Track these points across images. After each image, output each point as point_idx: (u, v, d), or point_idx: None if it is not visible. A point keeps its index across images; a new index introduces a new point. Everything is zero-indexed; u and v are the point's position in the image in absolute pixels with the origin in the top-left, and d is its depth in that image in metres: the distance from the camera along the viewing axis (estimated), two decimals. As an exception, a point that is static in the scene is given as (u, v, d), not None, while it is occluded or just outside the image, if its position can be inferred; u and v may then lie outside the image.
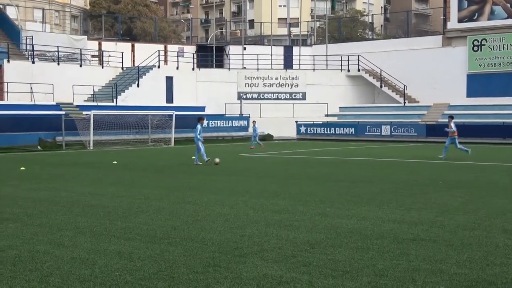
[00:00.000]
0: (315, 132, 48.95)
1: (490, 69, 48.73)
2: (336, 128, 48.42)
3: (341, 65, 53.44)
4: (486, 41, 48.89)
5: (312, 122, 49.60)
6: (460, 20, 50.54)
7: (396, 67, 51.94)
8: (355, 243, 8.56)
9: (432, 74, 50.53)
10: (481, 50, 49.15)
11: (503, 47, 48.21)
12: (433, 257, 7.69)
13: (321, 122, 49.95)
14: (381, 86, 52.32)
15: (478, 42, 49.24)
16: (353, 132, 47.44)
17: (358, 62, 53.16)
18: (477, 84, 49.06)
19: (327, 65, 54.11)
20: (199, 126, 23.29)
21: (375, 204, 12.39)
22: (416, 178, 17.82)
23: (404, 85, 51.06)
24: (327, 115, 51.67)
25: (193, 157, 23.77)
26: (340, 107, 52.67)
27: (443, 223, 10.07)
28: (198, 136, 23.16)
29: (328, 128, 48.75)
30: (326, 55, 54.77)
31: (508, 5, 48.44)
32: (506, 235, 9.09)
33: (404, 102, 50.83)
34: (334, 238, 8.91)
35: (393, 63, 52.18)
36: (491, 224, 9.97)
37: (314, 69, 53.55)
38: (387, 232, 9.30)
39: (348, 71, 53.65)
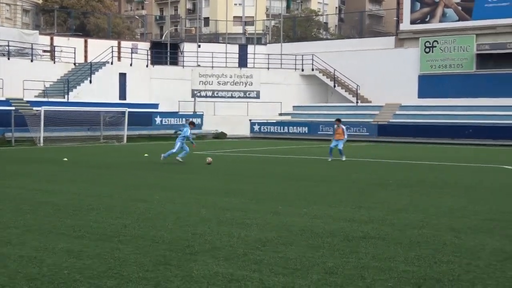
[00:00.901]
0: (268, 130, 49.08)
1: (441, 71, 49.62)
2: (290, 127, 48.67)
3: (295, 64, 53.73)
4: (438, 43, 49.77)
5: (266, 121, 49.74)
6: (412, 22, 51.32)
7: (349, 67, 52.45)
8: (306, 241, 8.62)
9: (385, 75, 51.18)
10: (432, 52, 50.01)
11: (454, 49, 49.14)
12: (382, 255, 7.80)
13: (274, 121, 50.12)
14: (334, 86, 52.77)
15: (430, 43, 50.10)
16: (306, 131, 47.73)
17: (312, 62, 53.51)
18: (428, 85, 49.89)
19: (281, 64, 54.31)
20: (187, 129, 22.95)
21: (326, 202, 12.50)
22: (367, 177, 18.03)
23: (357, 85, 51.62)
24: (280, 114, 51.87)
25: (177, 158, 22.80)
26: (293, 106, 52.94)
27: (392, 222, 10.22)
28: (188, 136, 22.80)
29: (282, 127, 48.95)
30: (281, 54, 54.98)
31: (460, 8, 49.39)
32: (454, 233, 9.27)
33: (357, 102, 51.38)
34: (285, 236, 8.96)
35: (347, 63, 52.67)
36: (439, 223, 10.15)
37: (268, 68, 53.70)
38: (338, 230, 9.39)
39: (302, 70, 53.96)
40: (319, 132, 47.06)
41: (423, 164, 23.86)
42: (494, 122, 42.36)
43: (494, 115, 44.06)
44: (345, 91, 52.48)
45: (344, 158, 24.40)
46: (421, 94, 50.06)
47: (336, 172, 19.77)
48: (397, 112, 48.30)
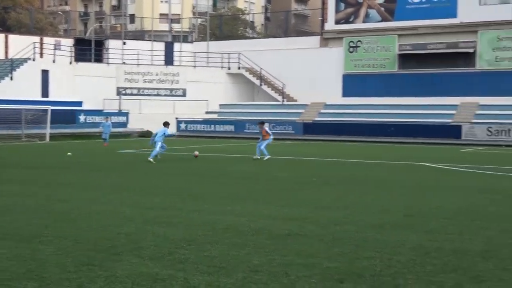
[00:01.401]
0: (195, 129, 48.90)
1: (364, 70, 50.60)
2: (216, 125, 48.65)
3: (222, 62, 53.73)
4: (361, 43, 50.73)
5: (192, 119, 49.55)
6: (337, 22, 52.11)
7: (275, 66, 52.82)
8: (231, 239, 8.64)
9: (310, 74, 51.77)
10: (356, 52, 50.95)
11: (377, 49, 50.20)
12: (306, 251, 7.89)
13: (201, 119, 49.99)
14: (260, 85, 53.06)
15: (354, 43, 51.01)
16: (233, 130, 47.82)
17: (239, 60, 53.64)
18: (352, 84, 50.79)
19: (208, 62, 54.20)
20: (165, 129, 23.87)
21: (251, 200, 12.56)
22: (292, 175, 18.21)
23: (283, 84, 52.06)
24: (207, 112, 51.76)
25: (149, 159, 22.73)
26: (220, 105, 52.91)
27: (316, 219, 10.36)
28: (160, 138, 23.42)
29: (208, 125, 48.87)
30: (207, 53, 54.87)
31: (382, 9, 50.47)
32: (375, 229, 9.48)
33: (283, 101, 51.83)
34: (210, 234, 8.95)
35: (273, 62, 53.03)
36: (361, 219, 10.36)
37: (195, 66, 53.51)
38: (263, 228, 9.44)
39: (229, 68, 54.01)
40: (245, 131, 47.20)
41: (347, 162, 24.29)
42: (415, 121, 43.52)
43: (415, 113, 45.26)
44: (271, 90, 52.86)
45: (266, 158, 24.19)
46: (345, 93, 50.92)
47: (261, 170, 19.88)
48: (322, 111, 48.98)
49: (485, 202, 12.65)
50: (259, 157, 24.30)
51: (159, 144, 23.41)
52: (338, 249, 8.08)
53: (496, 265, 7.31)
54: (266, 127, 25.32)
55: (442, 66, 48.03)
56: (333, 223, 9.94)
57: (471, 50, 46.83)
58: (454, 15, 47.25)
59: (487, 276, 6.82)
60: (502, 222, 10.27)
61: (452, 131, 41.68)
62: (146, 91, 51.67)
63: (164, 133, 23.79)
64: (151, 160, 22.55)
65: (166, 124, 24.61)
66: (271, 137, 25.41)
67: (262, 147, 24.60)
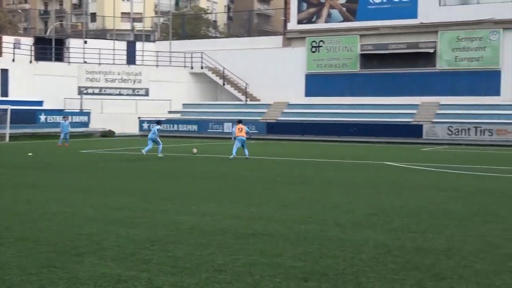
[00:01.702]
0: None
1: (327, 70, 50.89)
2: (179, 125, 48.45)
3: (185, 62, 53.53)
4: (324, 43, 51.01)
5: (155, 119, 49.19)
6: (299, 22, 52.32)
7: (238, 65, 52.82)
8: (195, 239, 8.60)
9: (273, 73, 51.89)
10: (318, 51, 51.22)
11: (339, 48, 50.53)
12: (270, 251, 7.90)
13: (164, 119, 49.68)
14: (223, 84, 53.01)
15: (316, 43, 51.27)
16: (196, 129, 47.70)
17: (202, 60, 53.50)
18: (315, 84, 51.06)
19: (170, 61, 53.94)
20: (158, 127, 26.69)
21: (216, 200, 12.53)
22: (256, 174, 18.23)
23: (246, 84, 52.08)
24: (170, 112, 51.52)
25: (159, 155, 25.23)
26: (183, 104, 52.71)
27: (281, 218, 10.39)
28: (154, 135, 25.89)
29: (171, 125, 48.63)
30: (170, 52, 54.60)
31: (344, 9, 50.83)
32: (339, 228, 9.53)
33: (246, 100, 51.86)
34: (174, 234, 8.91)
35: (236, 61, 53.01)
36: (325, 218, 10.41)
37: (157, 66, 53.20)
38: (227, 228, 9.43)
39: (192, 68, 53.84)
40: (208, 130, 47.14)
41: (311, 161, 24.41)
42: (377, 120, 43.97)
43: (377, 113, 45.73)
44: (235, 90, 52.86)
45: (231, 157, 24.25)
46: (308, 93, 51.16)
47: (226, 170, 19.86)
48: (285, 110, 49.15)
49: (446, 200, 12.82)
50: (248, 156, 24.49)
51: (159, 140, 25.91)
52: (303, 248, 8.11)
53: (457, 263, 7.42)
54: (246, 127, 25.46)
55: (403, 66, 48.60)
56: (298, 222, 9.97)
57: (431, 50, 47.47)
58: (414, 16, 47.84)
59: (448, 274, 6.92)
60: (463, 219, 10.43)
61: (414, 131, 42.20)
62: (108, 91, 51.19)
63: (155, 132, 26.08)
64: (161, 155, 25.09)
65: (159, 122, 27.89)
66: (241, 138, 24.90)
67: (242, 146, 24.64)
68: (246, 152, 24.65)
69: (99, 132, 46.38)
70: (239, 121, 26.03)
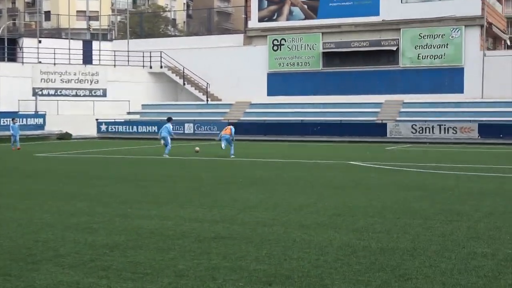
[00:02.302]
0: (116, 130, 48.24)
1: (289, 69, 51.07)
2: (139, 126, 48.13)
3: (143, 61, 53.20)
4: (285, 41, 51.18)
5: (113, 120, 48.86)
6: (260, 20, 52.40)
7: (199, 64, 52.66)
8: (156, 244, 8.55)
9: (234, 72, 51.88)
10: (280, 50, 51.37)
11: (301, 47, 50.75)
12: (233, 254, 7.90)
13: (123, 120, 49.35)
14: (184, 84, 52.82)
15: (278, 41, 51.41)
16: (156, 130, 47.29)
17: (161, 59, 53.21)
18: (277, 83, 51.20)
19: (128, 61, 53.54)
20: (169, 125, 27.51)
21: (177, 203, 12.48)
22: (218, 176, 18.20)
23: (207, 83, 51.97)
24: (129, 113, 51.15)
25: (165, 155, 26.49)
26: (142, 105, 52.39)
27: (244, 220, 10.39)
28: (171, 132, 27.67)
29: (130, 127, 48.30)
30: (128, 51, 54.18)
31: (306, 6, 51.07)
32: (303, 230, 9.57)
33: (207, 100, 51.75)
34: (134, 239, 8.84)
35: (196, 60, 52.85)
36: (289, 220, 10.44)
37: (115, 65, 52.75)
38: (189, 232, 9.40)
39: (151, 67, 53.52)
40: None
41: (274, 162, 24.47)
42: (341, 119, 44.25)
43: (340, 112, 46.05)
44: (195, 89, 52.70)
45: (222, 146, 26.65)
46: (270, 92, 51.27)
47: (187, 172, 19.80)
48: (247, 110, 49.20)
49: (411, 199, 12.97)
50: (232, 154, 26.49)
51: (168, 139, 27.01)
52: (266, 250, 8.12)
53: (422, 263, 7.51)
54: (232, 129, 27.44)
55: (366, 64, 49.05)
56: (261, 225, 9.98)
57: (394, 48, 47.99)
58: (376, 13, 48.31)
59: (414, 274, 7.00)
60: (428, 218, 10.56)
61: (377, 129, 42.61)
62: (64, 92, 50.57)
63: (169, 130, 27.38)
64: (167, 156, 26.15)
65: (169, 119, 28.55)
66: (224, 136, 26.92)
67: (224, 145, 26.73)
68: (232, 151, 26.68)
69: (55, 135, 45.78)
70: (229, 124, 28.75)
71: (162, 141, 27.46)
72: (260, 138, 43.07)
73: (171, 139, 27.59)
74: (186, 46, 54.66)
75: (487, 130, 40.24)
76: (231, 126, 27.89)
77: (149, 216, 10.90)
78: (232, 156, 26.21)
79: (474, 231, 9.46)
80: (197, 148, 27.89)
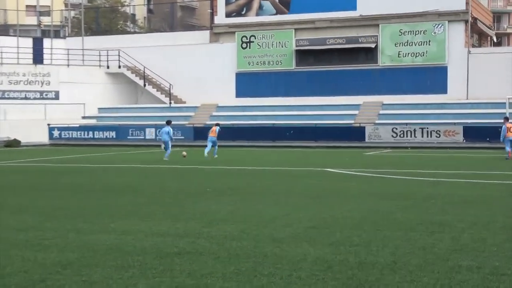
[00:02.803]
0: (70, 136, 47.91)
1: (259, 68, 51.18)
2: (95, 132, 47.86)
3: (100, 60, 52.91)
4: (255, 38, 51.30)
5: (67, 126, 48.48)
6: (228, 15, 52.46)
7: (161, 64, 52.54)
8: (114, 261, 8.49)
9: (200, 72, 51.83)
10: (250, 48, 51.48)
11: (272, 44, 50.90)
12: (199, 271, 7.87)
13: (77, 125, 49.00)
14: (144, 85, 52.64)
15: (247, 38, 51.52)
16: (114, 136, 47.18)
17: (119, 58, 52.98)
18: (247, 83, 51.28)
19: (83, 60, 53.22)
20: (168, 129, 30.00)
21: (138, 216, 12.41)
22: (184, 186, 18.15)
23: (170, 84, 51.85)
24: (84, 117, 50.80)
25: (165, 158, 28.98)
26: (99, 108, 52.09)
27: (211, 234, 10.36)
28: (172, 137, 30.28)
29: (86, 132, 48.01)
30: (83, 49, 53.87)
31: (277, 0, 51.24)
32: (275, 243, 9.58)
33: (170, 103, 51.62)
34: (90, 256, 8.76)
35: (158, 59, 52.72)
36: (260, 233, 10.44)
37: (68, 65, 52.39)
38: (150, 247, 9.35)
39: (108, 67, 53.27)
40: (128, 137, 46.71)
41: (244, 169, 24.47)
42: (315, 123, 44.44)
43: (315, 115, 46.28)
44: (157, 91, 52.55)
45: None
46: (239, 94, 51.36)
47: (148, 181, 19.70)
48: (214, 113, 49.18)
49: (392, 209, 13.06)
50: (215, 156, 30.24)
51: (169, 143, 29.60)
52: (235, 266, 8.11)
53: (403, 277, 7.55)
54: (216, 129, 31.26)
55: (342, 62, 49.36)
56: (229, 238, 9.97)
57: (372, 45, 48.38)
58: (353, 8, 48.68)
59: (395, 290, 7.03)
60: (409, 230, 10.63)
61: (355, 133, 42.90)
62: (11, 94, 50.06)
63: (169, 132, 29.94)
64: (167, 159, 28.50)
65: (169, 122, 30.88)
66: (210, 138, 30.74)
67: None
68: (215, 151, 30.41)
69: (2, 142, 45.27)
70: (216, 124, 32.10)
71: (162, 146, 30.49)
72: (229, 144, 43.02)
73: (165, 142, 29.90)
74: (147, 44, 54.51)
75: (473, 133, 40.71)
76: (218, 127, 31.31)
77: (106, 230, 10.82)
78: (215, 156, 29.98)
79: (458, 243, 9.55)
80: (184, 153, 29.84)
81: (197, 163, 27.34)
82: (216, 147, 30.84)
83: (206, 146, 30.91)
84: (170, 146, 29.78)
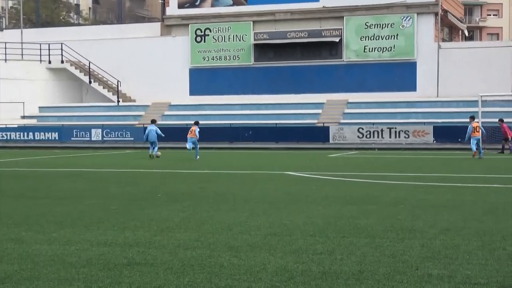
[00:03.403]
0: (8, 138, 47.36)
1: (215, 63, 51.18)
2: (36, 133, 47.35)
3: (41, 55, 52.38)
4: (210, 31, 51.27)
5: (4, 126, 47.90)
6: (180, 6, 52.33)
7: (108, 59, 52.23)
8: (56, 273, 8.41)
9: (151, 68, 51.67)
10: (204, 41, 51.42)
11: (229, 38, 50.92)
12: (149, 283, 7.84)
13: (16, 126, 48.45)
14: (90, 82, 52.26)
15: (201, 31, 51.46)
16: (57, 138, 46.76)
17: (62, 52, 52.52)
18: (201, 80, 51.23)
19: (22, 54, 52.64)
20: (155, 127, 32.92)
21: (82, 224, 12.31)
22: (133, 191, 18.06)
23: (118, 81, 51.55)
24: (23, 117, 50.26)
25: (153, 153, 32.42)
26: (40, 107, 51.60)
27: (162, 243, 10.33)
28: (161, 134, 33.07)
29: (26, 133, 47.48)
30: (22, 43, 53.27)
31: (234, -10, 51.29)
32: (232, 252, 9.58)
33: (118, 101, 51.34)
34: (30, 269, 8.68)
35: (105, 54, 52.39)
36: (215, 241, 10.44)
37: (6, 60, 51.74)
38: (96, 258, 9.29)
39: (50, 62, 52.78)
40: (72, 139, 46.32)
41: (197, 173, 24.45)
42: (276, 123, 44.59)
43: (275, 114, 46.43)
44: (104, 88, 52.23)
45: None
46: (193, 91, 51.28)
47: (96, 186, 19.56)
48: (166, 113, 49.05)
49: (357, 215, 13.16)
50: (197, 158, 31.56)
51: (156, 143, 32.52)
52: (189, 278, 8.10)
53: (370, 287, 7.62)
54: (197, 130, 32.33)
55: (304, 58, 49.63)
56: (183, 247, 9.95)
57: (336, 39, 48.69)
58: (316, -1, 48.93)
59: (361, 301, 7.09)
60: (376, 237, 10.72)
61: (319, 134, 43.16)
62: None
63: (157, 131, 32.72)
64: (156, 155, 32.23)
65: (154, 121, 34.12)
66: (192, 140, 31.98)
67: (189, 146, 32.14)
68: (197, 153, 31.78)
69: None
70: (195, 123, 33.24)
71: (151, 147, 32.74)
72: (181, 146, 42.91)
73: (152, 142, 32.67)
74: (92, 37, 54.13)
75: (444, 133, 41.27)
76: (196, 127, 32.29)
77: (48, 240, 10.72)
78: (197, 158, 31.32)
79: (428, 250, 9.65)
80: (158, 153, 32.67)
81: (147, 167, 27.22)
82: (197, 148, 32.19)
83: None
84: (157, 144, 32.83)
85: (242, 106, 48.49)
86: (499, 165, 28.10)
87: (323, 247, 9.92)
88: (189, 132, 32.11)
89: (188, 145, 32.15)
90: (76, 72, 52.72)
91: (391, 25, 47.75)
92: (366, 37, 48.24)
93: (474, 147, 31.08)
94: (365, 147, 40.73)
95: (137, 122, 47.66)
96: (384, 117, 44.31)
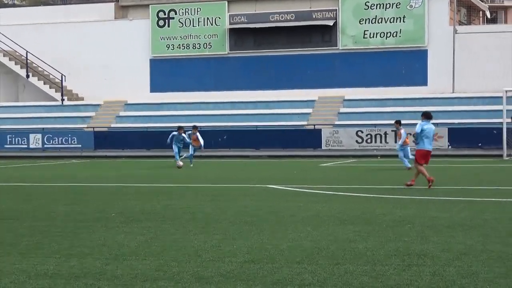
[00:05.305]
0: None
1: (181, 53, 51.05)
2: (-39, 139, 47.15)
3: (-33, 43, 52.23)
4: (176, 13, 51.13)
5: None
6: (139, -18, 52.28)
7: (50, 48, 51.97)
8: (-15, 311, 8.41)
9: (102, 59, 51.45)
10: (169, 26, 51.30)
11: (199, 21, 50.72)
12: (99, 323, 7.86)
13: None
14: (27, 76, 52.02)
15: (165, 14, 51.31)
16: (-12, 145, 46.57)
17: (-7, 40, 52.40)
18: (165, 73, 51.05)
19: None
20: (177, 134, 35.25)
21: (17, 251, 12.29)
22: (81, 210, 18.02)
23: (62, 75, 51.34)
24: None
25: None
26: (-34, 108, 51.39)
27: (115, 273, 10.33)
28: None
29: None
30: None
31: (204, -36, 51.27)
32: (202, 284, 9.60)
33: (62, 100, 51.13)
34: (-48, 306, 8.67)
35: (46, 42, 52.13)
36: (181, 270, 10.45)
37: None
38: (35, 292, 9.30)
39: (-22, 52, 52.59)
40: (6, 146, 46.11)
41: (161, 187, 24.41)
42: (256, 125, 44.56)
43: (256, 114, 46.36)
44: (45, 84, 52.00)
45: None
46: (155, 87, 51.12)
47: (33, 204, 19.51)
48: (121, 114, 48.94)
49: (354, 237, 13.19)
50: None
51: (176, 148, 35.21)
52: (148, 316, 8.12)
53: (369, 325, 7.67)
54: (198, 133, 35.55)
55: (291, 45, 49.58)
56: (141, 279, 9.96)
57: (330, 23, 48.66)
58: (304, -27, 49.01)
59: None
60: (378, 263, 10.76)
61: (309, 138, 43.17)
62: None
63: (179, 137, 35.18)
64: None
65: (180, 128, 36.10)
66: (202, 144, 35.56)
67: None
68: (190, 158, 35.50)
69: None
70: (194, 127, 36.66)
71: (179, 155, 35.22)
72: (140, 154, 42.95)
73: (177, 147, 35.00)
74: (31, 21, 53.88)
75: (461, 136, 41.29)
76: (197, 134, 35.43)
77: (-24, 271, 10.71)
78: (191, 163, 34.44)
79: (441, 279, 9.70)
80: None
81: (98, 180, 27.17)
82: (192, 155, 35.99)
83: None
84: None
85: (215, 105, 48.41)
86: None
87: (312, 277, 9.94)
88: (192, 140, 35.39)
89: (190, 152, 35.41)
90: (11, 64, 52.44)
91: (396, 5, 47.81)
92: (366, 19, 48.27)
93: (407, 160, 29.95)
94: (364, 154, 40.81)
95: (85, 126, 47.51)
96: (388, 117, 44.19)
